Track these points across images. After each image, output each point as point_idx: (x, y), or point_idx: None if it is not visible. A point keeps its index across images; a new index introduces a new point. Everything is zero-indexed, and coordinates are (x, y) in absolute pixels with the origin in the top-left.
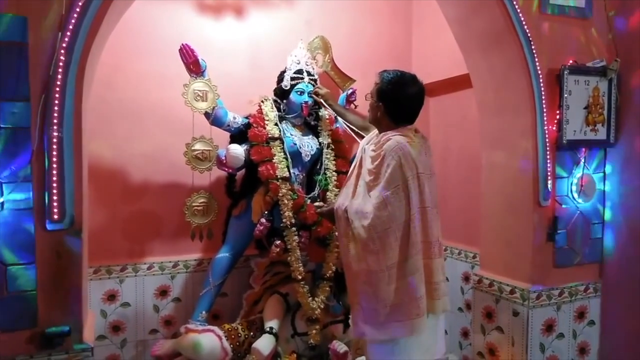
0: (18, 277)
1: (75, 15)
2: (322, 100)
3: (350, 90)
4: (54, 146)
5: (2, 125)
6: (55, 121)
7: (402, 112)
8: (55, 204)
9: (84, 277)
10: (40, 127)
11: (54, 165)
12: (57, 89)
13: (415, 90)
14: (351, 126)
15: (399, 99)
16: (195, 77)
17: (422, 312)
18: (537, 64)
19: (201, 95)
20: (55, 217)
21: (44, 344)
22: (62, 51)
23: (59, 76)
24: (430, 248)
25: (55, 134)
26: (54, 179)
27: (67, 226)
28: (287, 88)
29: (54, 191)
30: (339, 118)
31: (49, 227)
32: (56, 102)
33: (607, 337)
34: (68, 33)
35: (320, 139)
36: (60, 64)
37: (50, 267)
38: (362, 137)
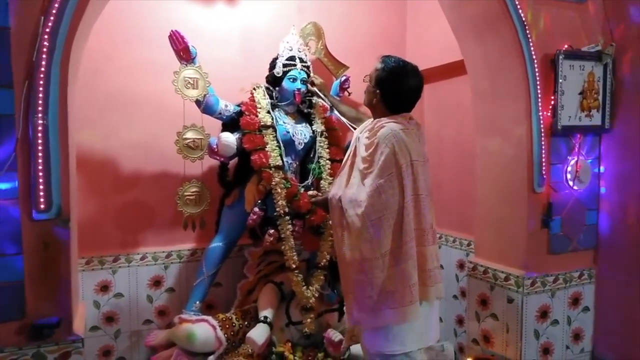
0: (5, 268)
1: None
2: (317, 90)
3: (344, 77)
4: (39, 134)
5: None
6: (39, 108)
7: (399, 102)
8: (41, 193)
9: (73, 267)
10: (24, 115)
11: (40, 154)
12: (41, 75)
13: (414, 83)
14: (344, 118)
15: (397, 90)
16: (186, 64)
17: (414, 299)
18: (532, 49)
19: (192, 82)
20: (42, 206)
21: (33, 335)
22: (46, 36)
23: (43, 62)
24: (423, 235)
25: (40, 121)
26: (40, 167)
27: (54, 216)
28: (279, 75)
29: (40, 180)
30: (335, 110)
31: (35, 217)
32: (40, 88)
33: (601, 324)
34: (51, 17)
35: (314, 127)
36: (44, 49)
37: (38, 257)
38: (355, 128)
